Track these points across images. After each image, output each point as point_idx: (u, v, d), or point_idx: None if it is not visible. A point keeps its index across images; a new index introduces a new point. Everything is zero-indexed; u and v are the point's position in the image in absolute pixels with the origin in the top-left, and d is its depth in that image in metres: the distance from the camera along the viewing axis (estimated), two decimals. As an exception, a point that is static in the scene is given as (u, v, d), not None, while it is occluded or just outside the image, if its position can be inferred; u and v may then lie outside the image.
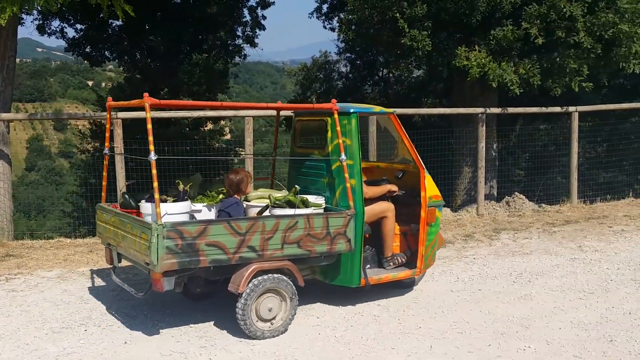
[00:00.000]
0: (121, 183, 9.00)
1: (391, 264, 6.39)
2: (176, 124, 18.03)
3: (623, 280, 7.00)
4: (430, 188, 6.36)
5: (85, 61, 20.43)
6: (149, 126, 5.01)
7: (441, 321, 5.84)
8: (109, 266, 6.27)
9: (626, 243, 8.69)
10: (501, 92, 11.87)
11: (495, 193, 12.58)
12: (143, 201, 5.66)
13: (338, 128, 5.85)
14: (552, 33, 10.23)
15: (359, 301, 6.34)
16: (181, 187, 5.73)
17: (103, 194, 6.42)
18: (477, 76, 10.25)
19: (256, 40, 21.53)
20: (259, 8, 21.21)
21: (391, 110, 6.44)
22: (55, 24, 19.31)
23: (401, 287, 6.72)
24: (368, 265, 6.36)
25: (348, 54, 23.50)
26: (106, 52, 19.92)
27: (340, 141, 5.84)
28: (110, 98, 6.08)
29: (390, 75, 23.70)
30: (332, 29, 21.29)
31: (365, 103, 18.89)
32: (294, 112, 6.99)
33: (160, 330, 5.54)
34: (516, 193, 11.51)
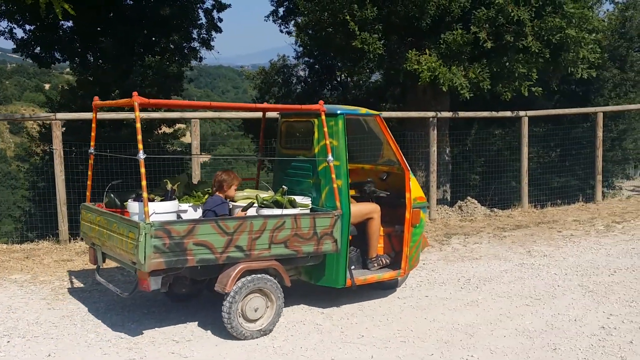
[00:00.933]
0: (60, 186, 8.75)
1: (375, 265, 6.39)
2: (129, 127, 17.66)
3: (570, 286, 6.94)
4: (415, 190, 6.39)
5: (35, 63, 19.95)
6: (138, 125, 4.97)
7: (385, 329, 5.70)
8: (90, 267, 6.20)
9: (574, 248, 8.67)
10: (454, 97, 11.83)
11: (448, 197, 12.53)
12: (130, 200, 5.55)
13: (325, 129, 5.83)
14: (501, 37, 10.22)
15: (301, 309, 6.17)
16: (169, 186, 5.67)
17: (88, 194, 6.27)
18: (428, 80, 10.17)
19: (212, 43, 21.37)
20: (215, 10, 21.04)
21: (377, 112, 6.43)
22: (4, 24, 18.84)
23: (384, 288, 6.71)
24: (353, 266, 6.31)
25: (306, 58, 23.38)
26: (56, 54, 19.50)
27: (327, 142, 5.80)
28: (96, 97, 6.01)
29: (349, 79, 23.68)
30: (289, 33, 21.12)
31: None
32: (279, 113, 6.94)
33: (89, 341, 5.28)
34: (468, 198, 11.48)
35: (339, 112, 6.00)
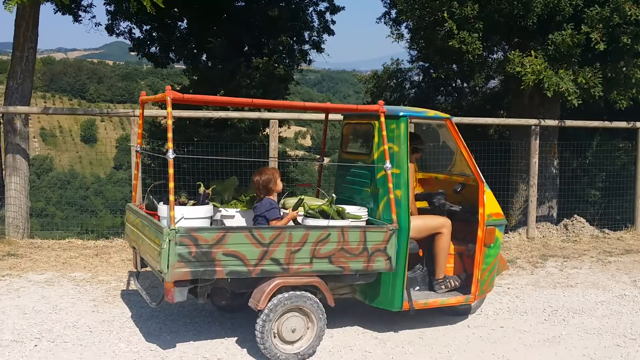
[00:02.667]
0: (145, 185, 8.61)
1: (443, 287, 5.74)
2: (232, 127, 17.69)
3: (676, 327, 5.92)
4: (490, 205, 5.65)
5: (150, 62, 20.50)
6: (169, 122, 4.59)
7: (442, 364, 5.01)
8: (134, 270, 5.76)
9: (691, 280, 7.51)
10: (565, 104, 10.78)
11: (554, 214, 11.44)
12: (161, 203, 5.14)
13: (384, 133, 5.22)
14: (617, 39, 9.10)
15: (354, 332, 5.57)
16: (202, 189, 5.23)
17: (134, 194, 6.01)
18: (532, 84, 9.24)
19: (323, 46, 21.13)
20: (328, 12, 20.78)
21: (447, 115, 5.69)
22: (124, 24, 19.45)
23: (455, 313, 6.02)
24: (417, 287, 5.74)
25: (421, 63, 22.62)
26: (171, 54, 19.95)
27: (386, 147, 5.18)
28: (143, 93, 5.62)
29: (465, 85, 22.75)
30: (401, 35, 20.44)
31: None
32: (343, 114, 6.39)
33: (117, 352, 4.95)
34: (575, 216, 10.37)
35: (401, 113, 5.34)
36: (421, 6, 10.44)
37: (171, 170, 4.47)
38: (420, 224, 5.60)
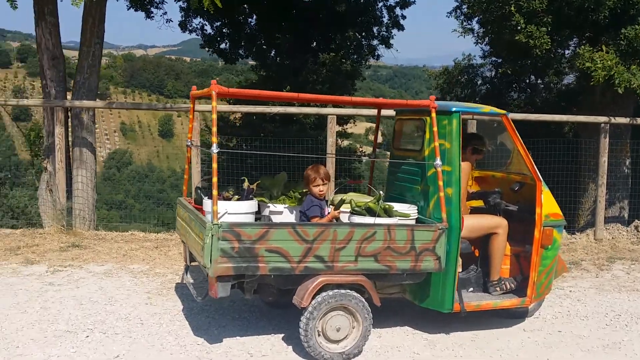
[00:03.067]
0: (196, 178, 8.71)
1: (497, 289, 5.58)
2: (298, 123, 17.76)
3: None
4: (548, 205, 5.45)
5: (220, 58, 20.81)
6: (214, 116, 4.56)
7: (493, 368, 4.86)
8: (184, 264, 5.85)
9: None
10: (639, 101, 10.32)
11: (625, 215, 10.97)
12: (206, 197, 5.14)
13: (435, 129, 5.07)
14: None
15: (403, 332, 5.47)
16: (246, 184, 5.20)
17: (184, 188, 6.05)
18: (602, 80, 8.87)
19: (392, 41, 20.93)
20: (398, 7, 20.55)
21: (503, 111, 5.51)
22: (196, 21, 19.81)
23: (511, 317, 5.84)
24: (471, 289, 5.64)
25: (494, 58, 22.11)
26: (240, 51, 20.16)
27: (437, 144, 5.05)
28: (194, 87, 5.61)
29: (539, 81, 22.12)
30: (467, 30, 20.00)
31: (508, 110, 17.57)
32: (395, 110, 6.28)
33: (164, 344, 5.02)
34: (648, 217, 9.92)
35: (453, 109, 5.19)
36: (489, 0, 10.19)
37: (215, 165, 4.46)
38: (474, 224, 5.46)
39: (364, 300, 4.86)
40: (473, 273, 5.69)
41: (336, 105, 9.11)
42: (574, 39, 10.10)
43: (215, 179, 4.44)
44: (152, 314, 5.69)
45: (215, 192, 4.44)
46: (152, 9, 16.71)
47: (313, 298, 4.69)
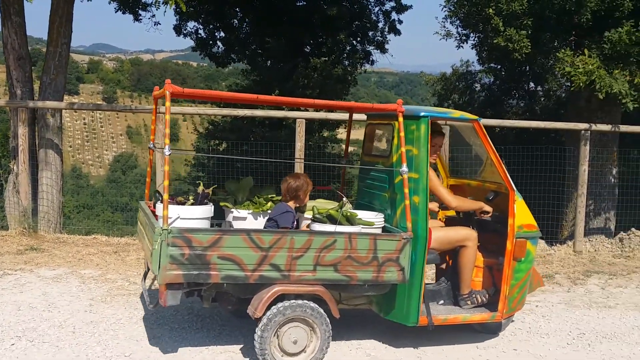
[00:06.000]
0: (159, 181, 8.44)
1: (469, 302, 5.32)
2: (287, 128, 17.46)
3: None
4: (521, 215, 5.16)
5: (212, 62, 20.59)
6: (167, 117, 4.35)
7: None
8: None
9: None
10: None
11: (612, 227, 10.61)
12: (159, 201, 4.90)
13: (402, 134, 4.83)
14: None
15: (348, 345, 5.14)
16: (200, 188, 4.97)
17: (146, 192, 5.82)
18: (582, 85, 8.54)
19: (387, 46, 20.64)
20: (394, 12, 20.28)
21: (475, 117, 5.25)
22: (191, 25, 19.63)
23: (486, 330, 5.55)
24: (442, 301, 5.38)
25: (492, 64, 21.79)
26: (232, 55, 19.93)
27: (403, 150, 4.81)
28: (156, 88, 5.27)
29: (538, 88, 21.81)
30: (466, 36, 19.69)
31: (506, 117, 17.19)
32: (366, 114, 6.01)
33: (90, 356, 4.70)
34: (633, 229, 9.53)
35: (422, 114, 4.93)
36: (470, 2, 9.89)
37: (167, 167, 4.30)
38: (441, 236, 5.21)
39: (322, 311, 4.60)
40: (444, 285, 5.43)
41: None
42: (556, 43, 9.76)
43: (166, 182, 4.25)
44: (88, 322, 5.40)
45: (166, 196, 4.23)
46: (140, 12, 16.51)
47: (268, 309, 4.44)
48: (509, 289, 5.16)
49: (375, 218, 4.97)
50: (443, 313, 5.17)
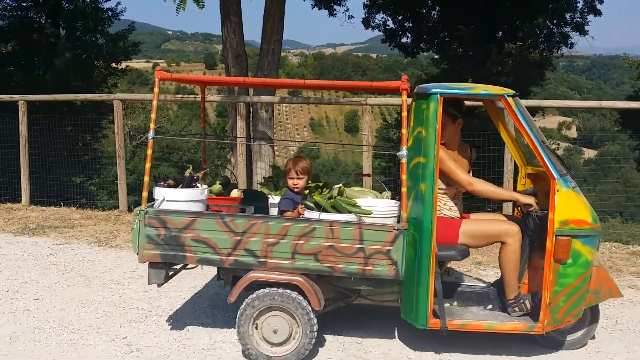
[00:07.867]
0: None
1: (517, 309, 4.65)
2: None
3: None
4: (567, 208, 4.35)
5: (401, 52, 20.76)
6: (155, 102, 4.62)
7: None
8: None
9: None
10: None
11: None
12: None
13: (404, 114, 4.35)
14: None
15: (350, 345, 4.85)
16: (188, 172, 5.02)
17: (146, 179, 5.96)
18: None
19: (587, 28, 19.60)
20: (594, -9, 19.27)
21: (502, 91, 4.55)
22: (379, 17, 19.96)
23: (551, 345, 4.79)
24: (490, 306, 4.90)
25: None
26: (421, 44, 19.96)
27: (404, 131, 4.32)
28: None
29: None
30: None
31: None
32: (409, 95, 5.54)
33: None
34: None
35: (431, 90, 4.44)
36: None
37: (149, 151, 4.61)
38: (473, 229, 4.66)
39: (303, 302, 4.41)
40: (492, 288, 4.98)
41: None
42: None
43: (148, 165, 4.57)
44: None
45: (147, 178, 4.53)
46: (335, 7, 17.03)
47: (247, 296, 4.47)
48: (551, 297, 4.38)
49: (382, 207, 4.63)
50: (471, 318, 4.62)
